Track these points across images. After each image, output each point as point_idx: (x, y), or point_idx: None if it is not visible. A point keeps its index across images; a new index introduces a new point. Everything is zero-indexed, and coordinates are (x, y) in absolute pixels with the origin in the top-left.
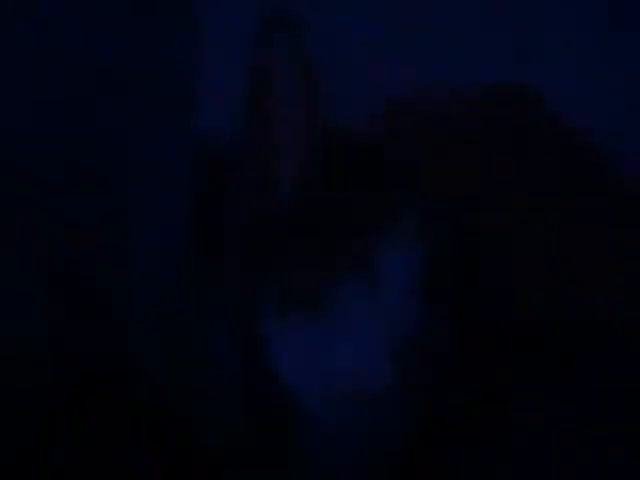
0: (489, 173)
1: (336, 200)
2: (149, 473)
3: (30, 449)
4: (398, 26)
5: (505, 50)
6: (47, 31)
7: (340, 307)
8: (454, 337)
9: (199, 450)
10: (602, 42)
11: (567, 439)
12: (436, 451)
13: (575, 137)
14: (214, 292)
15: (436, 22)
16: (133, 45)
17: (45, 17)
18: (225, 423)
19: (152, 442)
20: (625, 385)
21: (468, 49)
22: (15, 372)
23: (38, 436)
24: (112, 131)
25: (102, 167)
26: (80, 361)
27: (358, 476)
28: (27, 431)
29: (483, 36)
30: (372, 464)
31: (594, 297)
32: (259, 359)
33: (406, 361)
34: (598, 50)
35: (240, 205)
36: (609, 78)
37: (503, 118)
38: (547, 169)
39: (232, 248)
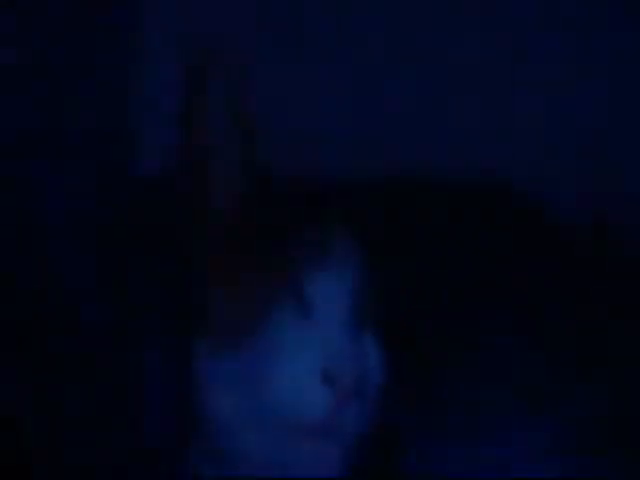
0: None
1: (271, 231)
2: None
3: None
4: None
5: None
6: None
7: (274, 338)
8: (387, 366)
9: None
10: None
11: None
12: None
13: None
14: (147, 322)
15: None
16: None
17: None
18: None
19: None
20: None
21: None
22: None
23: None
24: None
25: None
26: None
27: None
28: None
29: None
30: None
31: None
32: (193, 392)
33: (341, 391)
34: None
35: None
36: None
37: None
38: None
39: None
